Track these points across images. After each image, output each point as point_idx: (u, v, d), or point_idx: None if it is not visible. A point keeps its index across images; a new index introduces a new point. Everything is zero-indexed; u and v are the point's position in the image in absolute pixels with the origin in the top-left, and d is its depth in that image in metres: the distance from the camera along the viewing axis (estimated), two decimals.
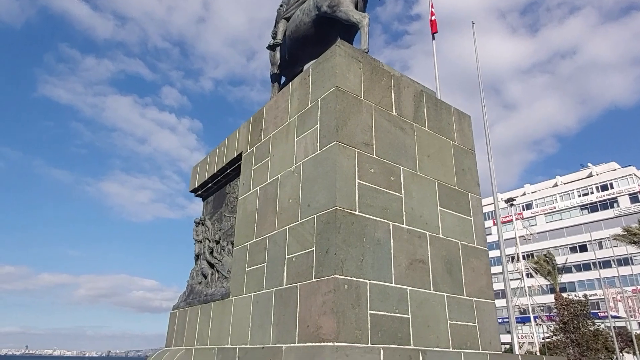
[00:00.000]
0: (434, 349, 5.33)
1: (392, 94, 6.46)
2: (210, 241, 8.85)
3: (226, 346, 6.10)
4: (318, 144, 5.85)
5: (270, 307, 5.82)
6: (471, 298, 6.17)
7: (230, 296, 6.98)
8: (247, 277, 6.64)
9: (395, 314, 5.25)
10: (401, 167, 6.14)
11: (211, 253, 8.52)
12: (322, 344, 4.57)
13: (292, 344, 4.96)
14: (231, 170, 8.65)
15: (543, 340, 46.55)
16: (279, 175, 6.59)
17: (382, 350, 4.55)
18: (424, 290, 5.68)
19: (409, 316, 5.38)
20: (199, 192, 9.87)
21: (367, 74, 6.22)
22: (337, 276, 4.88)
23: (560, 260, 65.18)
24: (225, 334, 6.73)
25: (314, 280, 5.17)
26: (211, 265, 8.43)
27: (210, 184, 9.40)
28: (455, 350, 5.59)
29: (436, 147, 6.82)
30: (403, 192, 6.01)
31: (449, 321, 5.74)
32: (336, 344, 4.58)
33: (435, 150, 6.77)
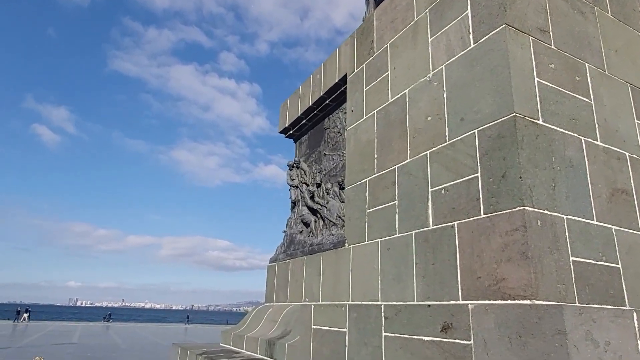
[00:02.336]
0: None
1: None
2: (309, 185, 7.69)
3: (363, 303, 4.94)
4: (471, 36, 4.26)
5: (409, 255, 4.51)
6: None
7: (346, 244, 5.79)
8: (368, 220, 5.37)
9: (602, 263, 3.71)
10: (586, 64, 4.40)
11: (312, 198, 7.37)
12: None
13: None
14: (331, 100, 7.30)
15: None
16: (406, 91, 5.11)
17: (635, 314, 3.07)
18: (631, 230, 4.06)
19: (619, 266, 3.82)
20: (291, 132, 8.68)
21: None
22: (526, 208, 3.41)
23: None
24: (343, 289, 5.59)
25: (484, 216, 3.74)
26: (313, 212, 7.30)
27: (304, 121, 8.15)
28: None
29: (623, 39, 4.94)
30: (592, 97, 4.31)
31: None
32: (536, 302, 3.17)
33: (622, 43, 4.90)
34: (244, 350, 6.74)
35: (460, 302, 3.77)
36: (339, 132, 7.16)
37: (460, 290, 3.83)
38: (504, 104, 3.75)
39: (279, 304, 7.38)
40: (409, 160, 4.86)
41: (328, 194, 7.00)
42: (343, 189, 6.62)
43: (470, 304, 3.47)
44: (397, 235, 4.81)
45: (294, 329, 5.88)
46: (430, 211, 4.39)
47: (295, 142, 8.84)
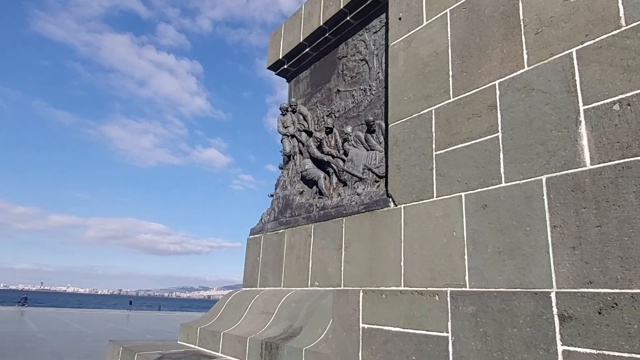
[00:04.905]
0: None
1: None
2: (313, 132, 5.77)
3: (433, 288, 3.12)
4: None
5: (536, 213, 2.79)
6: None
7: (391, 204, 3.97)
8: (438, 166, 3.58)
9: None
10: None
11: (319, 148, 5.45)
12: None
13: None
14: (353, 17, 5.40)
15: None
16: None
17: None
18: None
19: None
20: (285, 67, 6.66)
21: None
22: None
23: None
24: (388, 268, 3.78)
25: None
26: (321, 165, 5.40)
27: (307, 49, 6.17)
28: None
29: None
30: None
31: None
32: None
33: None
34: (220, 354, 4.74)
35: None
36: (362, 60, 5.29)
37: None
38: None
39: (268, 288, 5.42)
40: (526, 69, 3.11)
41: (347, 140, 5.12)
42: (372, 132, 4.78)
43: None
44: (503, 184, 3.06)
45: (307, 326, 3.98)
46: (584, 142, 2.67)
47: (288, 80, 6.82)
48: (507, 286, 2.86)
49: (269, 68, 6.90)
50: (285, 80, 6.91)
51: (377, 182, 4.52)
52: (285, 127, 6.25)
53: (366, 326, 3.01)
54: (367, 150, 4.80)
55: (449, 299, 2.51)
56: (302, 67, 6.44)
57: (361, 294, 3.11)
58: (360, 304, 3.10)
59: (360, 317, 3.07)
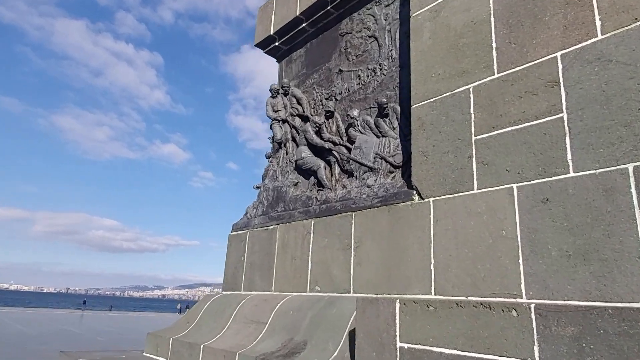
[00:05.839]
0: None
1: None
2: (310, 117, 5.12)
3: (475, 299, 2.54)
4: None
5: (619, 210, 2.28)
6: None
7: (416, 197, 3.39)
8: (479, 153, 3.04)
9: None
10: None
11: (318, 133, 4.81)
12: None
13: None
14: None
15: None
16: None
17: None
18: None
19: None
20: (276, 44, 5.95)
21: None
22: None
23: None
24: (411, 273, 3.21)
25: None
26: (319, 153, 4.76)
27: (304, 24, 5.50)
28: None
29: None
30: None
31: None
32: None
33: None
34: None
35: None
36: (371, 37, 4.70)
37: None
38: None
39: (256, 293, 4.71)
40: (600, 37, 2.60)
41: (352, 126, 4.51)
42: (385, 116, 4.20)
43: None
44: (570, 174, 2.54)
45: (313, 340, 3.33)
46: None
47: (279, 60, 6.13)
48: (580, 298, 2.34)
49: (256, 45, 6.18)
50: (275, 60, 6.21)
51: (391, 172, 3.93)
52: (276, 111, 5.57)
53: (406, 346, 2.40)
54: (378, 136, 4.21)
55: (533, 315, 1.95)
56: (297, 45, 5.77)
57: (398, 304, 2.51)
58: (397, 317, 2.49)
59: (397, 333, 2.46)
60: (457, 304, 2.23)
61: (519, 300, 2.43)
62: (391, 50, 4.43)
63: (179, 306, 50.17)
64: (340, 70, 4.97)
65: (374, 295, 3.30)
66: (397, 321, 2.50)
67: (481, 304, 2.14)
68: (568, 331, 1.82)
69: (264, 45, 6.11)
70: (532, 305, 1.96)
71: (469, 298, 2.66)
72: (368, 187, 3.97)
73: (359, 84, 4.69)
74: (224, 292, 5.22)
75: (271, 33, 5.87)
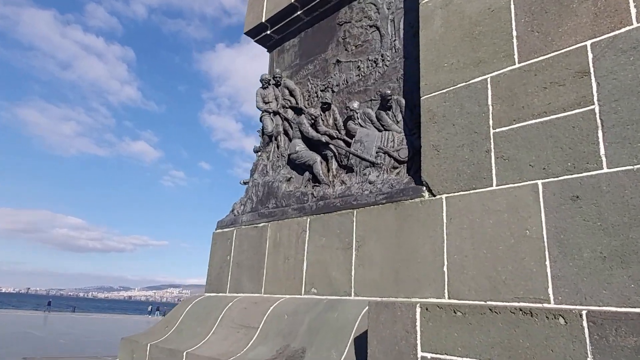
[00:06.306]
0: None
1: None
2: (305, 109, 4.85)
3: (495, 303, 2.32)
4: None
5: None
6: None
7: (429, 194, 3.17)
8: (498, 147, 2.84)
9: None
10: None
11: (314, 126, 4.54)
12: None
13: None
14: None
15: None
16: None
17: None
18: None
19: None
20: (268, 32, 5.65)
21: None
22: None
23: None
24: (420, 273, 2.98)
25: None
26: (314, 147, 4.49)
27: (299, 12, 5.22)
28: None
29: None
30: None
31: None
32: None
33: None
34: None
35: None
36: (372, 26, 4.47)
37: None
38: None
39: (244, 295, 4.38)
40: (636, 25, 2.44)
41: (352, 119, 4.26)
42: (388, 108, 3.97)
43: None
44: (604, 169, 2.37)
45: (313, 347, 3.05)
46: None
47: (270, 50, 5.82)
48: (617, 304, 2.16)
49: (246, 34, 5.85)
50: (266, 50, 5.90)
51: (395, 168, 3.70)
52: (266, 103, 5.26)
53: (429, 356, 2.16)
54: (380, 130, 3.98)
55: (585, 323, 1.73)
56: (290, 34, 5.48)
57: (419, 309, 2.26)
58: (418, 323, 2.24)
59: (419, 342, 2.21)
60: (490, 310, 2.00)
61: (567, 306, 2.22)
62: (394, 40, 4.21)
63: (150, 308, 48.70)
64: (338, 61, 4.71)
65: (390, 299, 3.04)
66: (418, 328, 2.25)
67: (520, 310, 1.91)
68: (629, 342, 1.61)
69: (254, 33, 5.79)
70: (584, 313, 1.74)
71: (505, 303, 2.44)
72: (370, 183, 3.72)
73: (359, 75, 4.45)
74: (208, 294, 4.86)
75: (263, 21, 5.57)
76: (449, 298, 2.82)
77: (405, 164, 3.66)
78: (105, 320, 31.03)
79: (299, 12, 5.22)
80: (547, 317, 1.84)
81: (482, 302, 2.59)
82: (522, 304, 2.35)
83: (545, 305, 2.32)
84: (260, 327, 3.61)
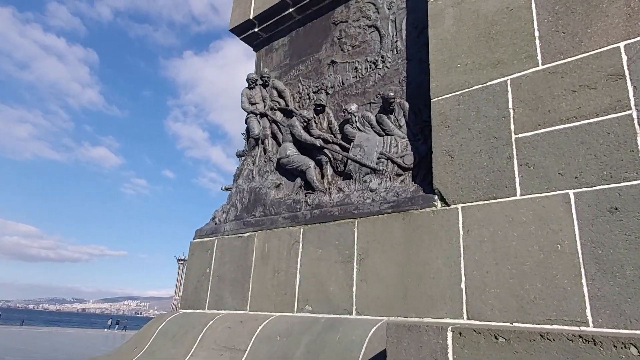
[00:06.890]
0: None
1: None
2: (296, 111, 4.54)
3: (522, 325, 2.07)
4: None
5: None
6: None
7: (442, 203, 2.91)
8: (520, 154, 2.63)
9: None
10: None
11: (306, 129, 4.23)
12: None
13: None
14: None
15: None
16: None
17: None
18: None
19: None
20: (257, 29, 5.32)
21: None
22: None
23: None
24: (434, 290, 2.71)
25: None
26: (307, 152, 4.17)
27: (290, 10, 4.93)
28: None
29: None
30: None
31: None
32: None
33: None
34: None
35: None
36: (370, 26, 4.24)
37: None
38: None
39: (226, 312, 3.96)
40: None
41: (349, 122, 3.98)
42: (390, 112, 3.72)
43: None
44: None
45: None
46: None
47: (257, 49, 5.49)
48: None
49: (231, 30, 5.51)
50: (252, 49, 5.56)
51: (399, 175, 3.44)
52: (253, 104, 4.92)
53: None
54: (381, 135, 3.71)
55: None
56: (280, 33, 5.18)
57: (450, 333, 1.98)
58: (450, 349, 1.95)
59: None
60: (542, 336, 1.73)
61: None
62: (396, 41, 3.98)
63: (110, 321, 46.20)
64: (333, 62, 4.45)
65: (413, 319, 2.73)
66: (451, 356, 1.96)
67: (580, 337, 1.66)
68: None
69: (240, 30, 5.46)
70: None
71: (554, 326, 2.18)
72: (372, 191, 3.44)
73: (356, 77, 4.19)
74: (183, 311, 4.40)
75: (250, 17, 5.25)
76: (468, 318, 2.55)
77: (411, 171, 3.40)
78: (57, 335, 29.18)
79: (290, 10, 4.94)
80: (614, 345, 1.59)
81: (548, 326, 2.32)
82: (582, 329, 2.10)
83: (609, 330, 2.07)
84: (248, 349, 3.22)
